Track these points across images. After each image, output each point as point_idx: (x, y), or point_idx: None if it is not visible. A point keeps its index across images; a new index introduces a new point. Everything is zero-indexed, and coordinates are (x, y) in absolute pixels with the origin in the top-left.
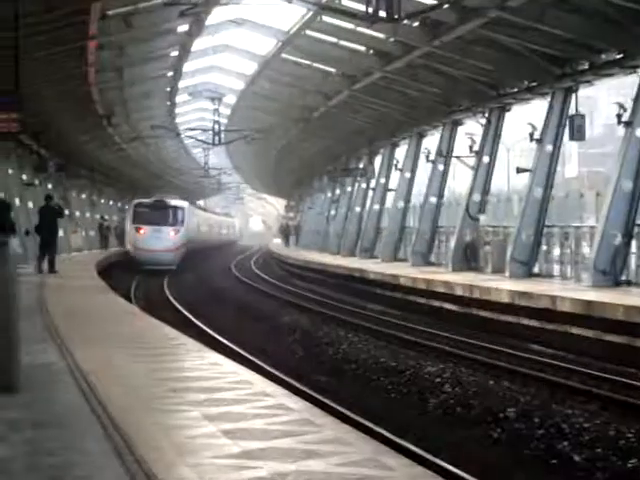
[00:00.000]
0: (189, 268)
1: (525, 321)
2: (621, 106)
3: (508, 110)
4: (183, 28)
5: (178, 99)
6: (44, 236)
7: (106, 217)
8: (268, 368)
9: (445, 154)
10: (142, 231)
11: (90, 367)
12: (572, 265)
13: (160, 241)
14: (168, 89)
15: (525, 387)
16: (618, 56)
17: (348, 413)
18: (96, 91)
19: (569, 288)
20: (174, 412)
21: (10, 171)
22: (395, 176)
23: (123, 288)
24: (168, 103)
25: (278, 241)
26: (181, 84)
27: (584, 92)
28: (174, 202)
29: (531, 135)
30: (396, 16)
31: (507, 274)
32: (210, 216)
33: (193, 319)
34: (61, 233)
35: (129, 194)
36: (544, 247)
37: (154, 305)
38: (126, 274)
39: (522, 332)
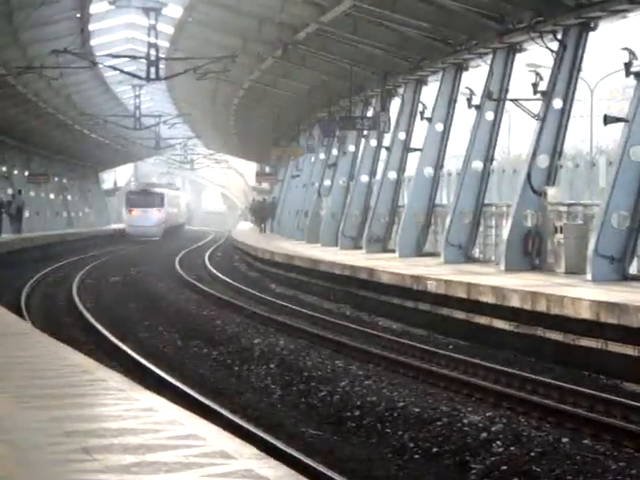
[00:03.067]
0: (115, 265)
1: (615, 347)
2: (631, 52)
3: (593, 29)
4: None
5: (93, 10)
6: None
7: None
8: (229, 416)
9: (497, 96)
10: (134, 212)
11: None
12: None
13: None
14: None
15: (617, 449)
16: None
17: None
18: None
19: None
20: None
21: None
22: (421, 129)
23: (9, 294)
24: (78, 15)
25: (247, 225)
26: None
27: None
28: (158, 190)
29: (627, 66)
30: None
31: (589, 276)
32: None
33: (117, 342)
34: None
35: (18, 153)
36: None
37: (58, 320)
38: (16, 273)
39: (611, 364)
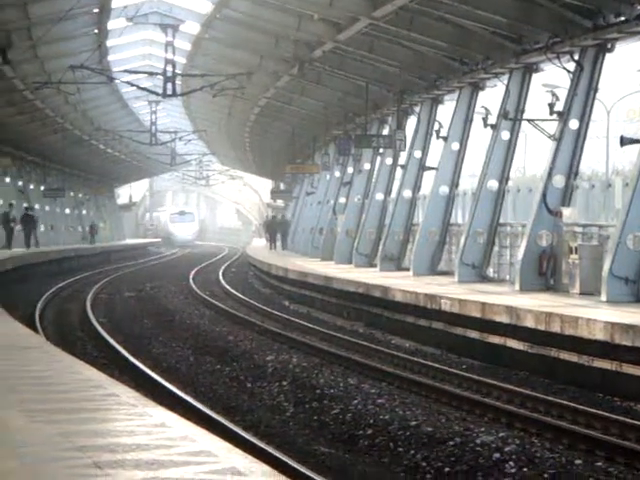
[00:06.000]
0: (129, 280)
1: (630, 369)
2: None
3: (610, 50)
4: None
5: (111, 26)
6: None
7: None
8: (241, 433)
9: (513, 116)
10: (177, 225)
11: None
12: None
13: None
14: (96, 10)
15: (630, 471)
16: None
17: None
18: None
19: None
20: None
21: None
22: (436, 148)
23: (24, 308)
24: (96, 31)
25: (261, 242)
26: (116, 3)
27: None
28: (189, 209)
29: None
30: None
31: (604, 297)
32: None
33: (129, 357)
34: None
35: (34, 167)
36: None
37: (71, 335)
38: (30, 287)
39: (625, 386)
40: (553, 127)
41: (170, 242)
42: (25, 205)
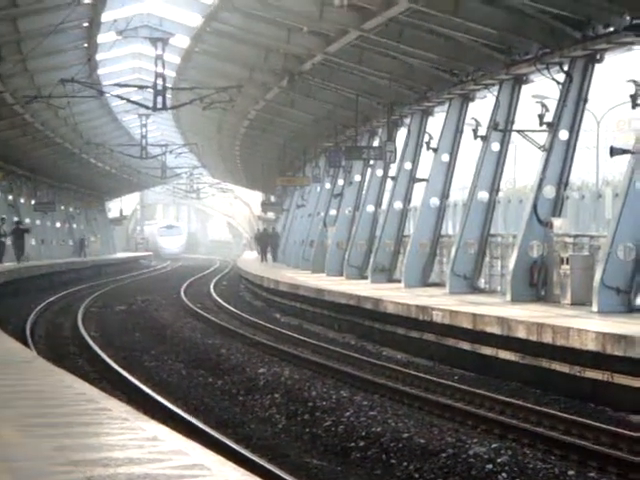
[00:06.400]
0: (121, 294)
1: (621, 380)
2: (637, 84)
3: (599, 61)
4: None
5: (101, 39)
6: None
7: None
8: (233, 446)
9: (503, 127)
10: (165, 238)
11: None
12: None
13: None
14: (86, 24)
15: (620, 479)
16: None
17: None
18: None
19: None
20: None
21: None
22: (427, 159)
23: (15, 322)
24: (86, 45)
25: (252, 255)
26: (106, 16)
27: None
28: (177, 223)
29: (633, 98)
30: None
31: (595, 307)
32: None
33: (122, 371)
34: None
35: (25, 181)
36: None
37: (63, 349)
38: (21, 301)
39: (617, 396)
40: (543, 138)
41: (158, 255)
42: (16, 219)
